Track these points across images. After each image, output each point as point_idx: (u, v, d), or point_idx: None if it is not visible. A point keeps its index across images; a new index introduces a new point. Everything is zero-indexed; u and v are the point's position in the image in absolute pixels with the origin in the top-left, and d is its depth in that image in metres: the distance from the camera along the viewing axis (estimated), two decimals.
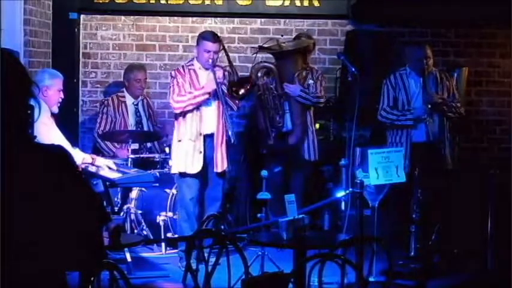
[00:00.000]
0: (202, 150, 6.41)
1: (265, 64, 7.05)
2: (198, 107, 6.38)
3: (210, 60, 6.37)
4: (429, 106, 6.74)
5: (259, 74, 6.97)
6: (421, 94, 6.82)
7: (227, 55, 6.50)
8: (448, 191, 6.74)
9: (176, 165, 6.47)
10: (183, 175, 6.44)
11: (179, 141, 6.44)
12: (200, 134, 6.40)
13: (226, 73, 6.46)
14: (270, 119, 6.95)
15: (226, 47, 6.56)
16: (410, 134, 6.85)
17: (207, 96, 6.37)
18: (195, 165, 6.40)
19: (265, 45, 7.06)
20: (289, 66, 7.00)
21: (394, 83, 6.93)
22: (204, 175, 6.48)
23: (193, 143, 6.39)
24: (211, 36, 6.47)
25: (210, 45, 6.38)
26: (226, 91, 6.35)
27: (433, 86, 6.88)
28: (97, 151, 7.37)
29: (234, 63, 6.61)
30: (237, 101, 6.50)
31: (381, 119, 6.95)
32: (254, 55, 6.97)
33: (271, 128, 6.95)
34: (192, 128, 6.40)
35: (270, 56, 7.24)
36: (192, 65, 6.53)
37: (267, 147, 7.07)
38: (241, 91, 6.37)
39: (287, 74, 6.99)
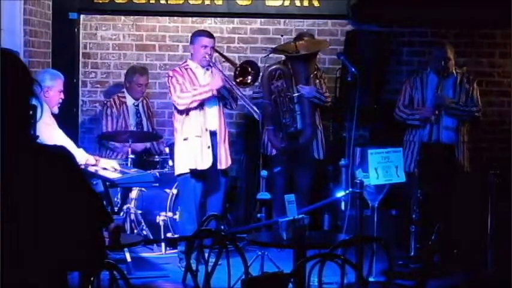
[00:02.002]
0: (210, 145, 6.39)
1: (278, 66, 7.06)
2: (201, 104, 6.38)
3: (207, 56, 6.43)
4: (437, 108, 6.74)
5: (272, 77, 7.00)
6: (434, 95, 6.82)
7: (219, 53, 6.59)
8: (448, 190, 6.74)
9: (185, 164, 6.40)
10: (189, 174, 6.38)
11: (185, 139, 6.40)
12: (206, 130, 6.39)
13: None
14: (283, 120, 6.96)
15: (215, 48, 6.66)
16: (422, 134, 6.87)
17: (210, 94, 6.36)
18: (205, 161, 6.37)
19: (280, 48, 7.08)
20: (305, 68, 7.01)
21: (413, 82, 6.96)
22: (210, 173, 6.45)
23: (200, 138, 6.37)
24: (206, 32, 6.67)
25: (207, 40, 6.47)
26: (232, 86, 6.37)
27: (451, 88, 6.88)
28: (103, 151, 7.41)
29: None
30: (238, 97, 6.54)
31: (395, 115, 7.00)
32: (265, 57, 7.00)
33: (284, 129, 6.97)
34: (197, 125, 6.38)
35: (275, 56, 7.24)
36: (188, 65, 6.54)
37: (278, 148, 7.07)
38: (249, 78, 6.41)
39: (302, 75, 7.00)
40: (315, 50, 7.12)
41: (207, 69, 6.50)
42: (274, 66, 7.04)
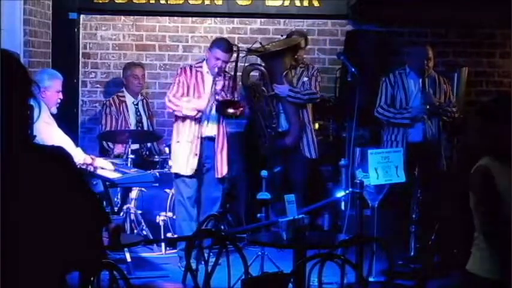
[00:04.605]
0: (197, 153, 6.37)
1: (255, 66, 7.08)
2: (200, 111, 6.32)
3: (217, 68, 6.33)
4: (427, 107, 6.74)
5: (249, 77, 7.02)
6: (420, 94, 6.82)
7: (236, 66, 6.50)
8: (448, 190, 6.74)
9: (174, 166, 6.48)
10: (180, 175, 6.44)
11: (177, 142, 6.44)
12: (198, 137, 6.36)
13: (231, 81, 6.43)
14: (265, 120, 6.95)
15: (239, 58, 6.53)
16: (407, 133, 6.85)
17: (194, 113, 6.29)
18: (189, 168, 6.37)
19: (252, 48, 7.05)
20: (277, 66, 7.00)
21: (393, 82, 6.93)
22: (201, 177, 6.45)
23: (190, 144, 6.37)
24: (225, 45, 6.37)
25: (220, 54, 6.32)
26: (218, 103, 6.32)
27: (432, 88, 6.88)
28: (104, 152, 7.41)
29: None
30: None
31: (377, 115, 6.94)
32: (244, 58, 6.97)
33: (267, 129, 6.96)
34: (191, 131, 6.37)
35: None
36: (201, 67, 6.47)
37: (265, 148, 7.06)
38: (230, 110, 6.32)
39: (276, 74, 7.01)
40: (281, 48, 7.07)
41: (215, 78, 6.39)
42: (251, 66, 7.07)
